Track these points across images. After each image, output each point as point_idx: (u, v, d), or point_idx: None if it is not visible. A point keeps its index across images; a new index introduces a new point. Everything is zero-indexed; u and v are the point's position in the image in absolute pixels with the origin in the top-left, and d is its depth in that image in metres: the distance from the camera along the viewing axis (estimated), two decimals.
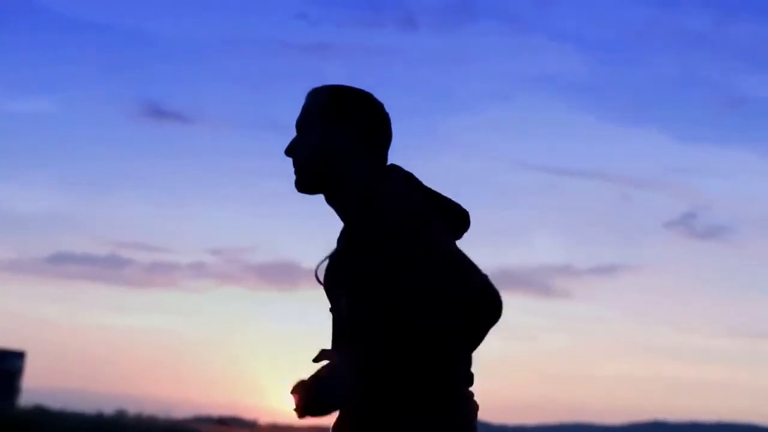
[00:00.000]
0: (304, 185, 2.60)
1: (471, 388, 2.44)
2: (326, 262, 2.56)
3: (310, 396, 2.32)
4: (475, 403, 2.43)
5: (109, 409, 25.26)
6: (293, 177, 2.62)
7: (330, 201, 2.59)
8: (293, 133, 2.65)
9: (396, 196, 2.41)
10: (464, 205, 2.56)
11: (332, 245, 2.58)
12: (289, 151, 2.62)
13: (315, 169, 2.57)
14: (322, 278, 2.56)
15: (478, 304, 2.26)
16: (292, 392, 2.37)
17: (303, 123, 2.61)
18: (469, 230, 2.57)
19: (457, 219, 2.53)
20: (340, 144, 2.55)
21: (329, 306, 2.56)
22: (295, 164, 2.61)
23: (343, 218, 2.57)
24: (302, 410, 2.34)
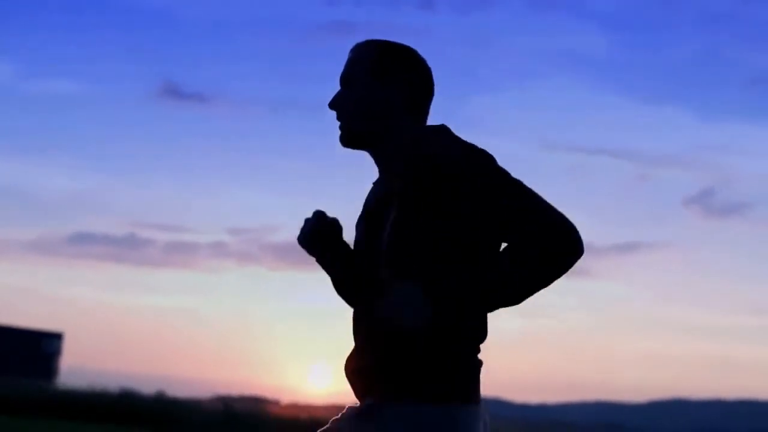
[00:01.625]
0: (351, 140, 2.54)
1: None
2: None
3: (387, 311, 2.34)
4: (480, 361, 2.45)
5: (127, 387, 25.22)
6: (336, 133, 2.56)
7: (376, 158, 2.55)
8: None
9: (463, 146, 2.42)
10: None
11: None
12: (333, 105, 2.56)
13: (362, 123, 2.52)
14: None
15: (567, 251, 2.34)
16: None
17: (349, 77, 2.55)
18: None
19: None
20: (387, 99, 2.50)
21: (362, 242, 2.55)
22: (340, 118, 2.55)
23: (387, 174, 2.53)
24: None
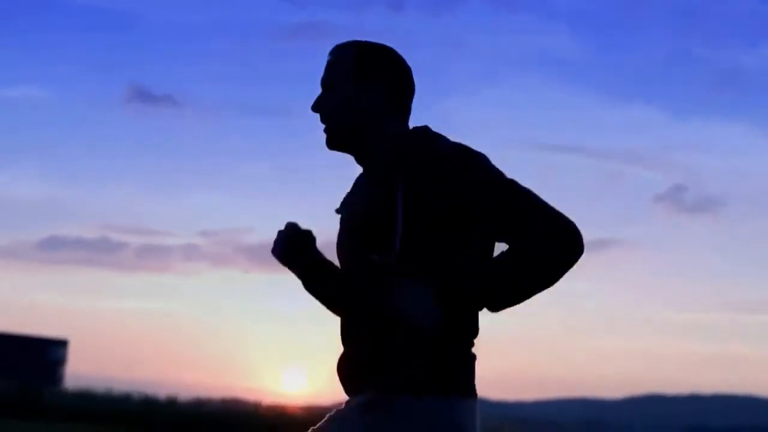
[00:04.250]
0: (337, 142, 2.47)
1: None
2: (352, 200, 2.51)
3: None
4: (474, 355, 2.42)
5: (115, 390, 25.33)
6: (321, 135, 2.49)
7: (361, 159, 2.49)
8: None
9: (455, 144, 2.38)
10: None
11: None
12: (316, 107, 2.49)
13: (347, 125, 2.45)
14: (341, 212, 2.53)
15: (569, 250, 2.29)
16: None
17: (330, 79, 2.48)
18: None
19: None
20: (370, 99, 2.45)
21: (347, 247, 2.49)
22: (324, 121, 2.48)
23: (373, 173, 2.47)
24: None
